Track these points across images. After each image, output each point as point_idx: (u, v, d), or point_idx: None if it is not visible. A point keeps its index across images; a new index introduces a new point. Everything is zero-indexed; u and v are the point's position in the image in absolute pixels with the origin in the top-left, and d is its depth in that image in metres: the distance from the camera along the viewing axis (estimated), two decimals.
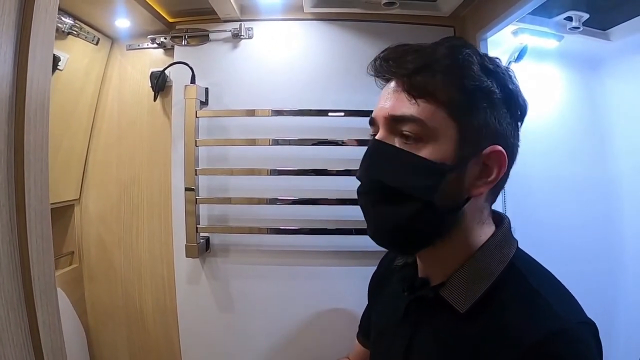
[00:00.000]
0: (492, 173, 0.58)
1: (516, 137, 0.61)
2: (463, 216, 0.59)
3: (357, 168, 0.62)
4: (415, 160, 0.56)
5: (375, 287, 0.89)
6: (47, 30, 0.57)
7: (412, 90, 0.56)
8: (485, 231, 0.62)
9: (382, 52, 0.61)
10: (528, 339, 0.50)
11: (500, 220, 0.65)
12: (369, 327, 0.86)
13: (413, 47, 0.59)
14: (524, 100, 0.61)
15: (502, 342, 0.52)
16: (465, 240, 0.61)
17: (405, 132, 0.57)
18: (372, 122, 0.63)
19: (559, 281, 0.60)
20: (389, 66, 0.59)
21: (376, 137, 0.60)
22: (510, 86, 0.59)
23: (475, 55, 0.57)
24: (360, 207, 0.64)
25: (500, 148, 0.57)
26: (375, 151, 0.60)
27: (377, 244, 0.63)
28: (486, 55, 0.60)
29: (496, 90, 0.57)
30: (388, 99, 0.59)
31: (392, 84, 0.60)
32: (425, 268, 0.67)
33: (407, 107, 0.56)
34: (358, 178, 0.62)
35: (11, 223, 0.56)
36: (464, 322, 0.57)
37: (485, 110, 0.56)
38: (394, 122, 0.58)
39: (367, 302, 0.93)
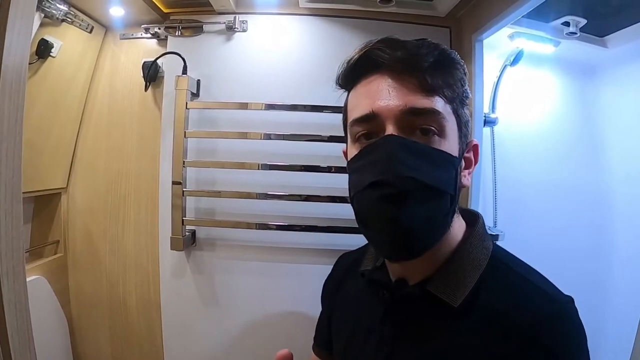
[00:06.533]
0: (472, 164, 0.63)
1: None
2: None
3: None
4: (441, 155, 0.55)
5: (333, 292, 0.83)
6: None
7: (432, 84, 0.55)
8: (459, 225, 0.63)
9: (373, 43, 0.57)
10: (529, 323, 0.51)
11: (474, 215, 0.66)
12: (327, 338, 0.81)
13: (408, 42, 0.58)
14: None
15: (502, 330, 0.52)
16: (448, 235, 0.59)
17: (425, 127, 0.54)
18: (367, 119, 0.56)
19: (534, 268, 0.61)
20: (403, 58, 0.55)
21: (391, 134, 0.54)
22: None
23: None
24: (377, 210, 0.54)
25: (476, 141, 0.62)
26: (400, 148, 0.53)
27: (396, 249, 0.55)
28: None
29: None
30: (392, 93, 0.55)
31: (387, 78, 0.56)
32: (401, 269, 0.63)
33: (425, 101, 0.54)
34: (379, 182, 0.53)
35: None
36: (457, 317, 0.55)
37: (467, 106, 0.61)
38: (411, 116, 0.54)
39: None
